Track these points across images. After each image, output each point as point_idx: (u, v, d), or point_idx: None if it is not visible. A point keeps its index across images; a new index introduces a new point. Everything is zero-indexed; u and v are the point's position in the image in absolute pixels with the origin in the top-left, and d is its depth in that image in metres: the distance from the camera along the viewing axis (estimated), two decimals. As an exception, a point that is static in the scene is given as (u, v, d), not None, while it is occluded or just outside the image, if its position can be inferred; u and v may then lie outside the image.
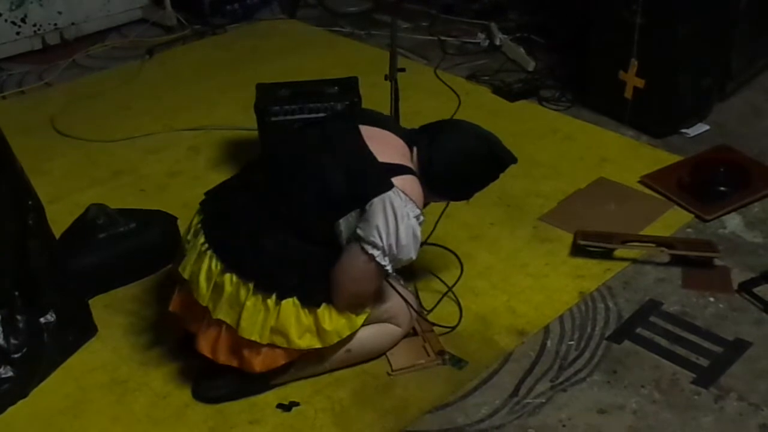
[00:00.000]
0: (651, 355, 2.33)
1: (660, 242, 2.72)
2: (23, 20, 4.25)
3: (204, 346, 2.16)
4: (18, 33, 4.26)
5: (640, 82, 3.34)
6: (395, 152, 2.16)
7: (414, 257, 2.14)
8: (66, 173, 3.28)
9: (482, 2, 4.63)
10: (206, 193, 2.31)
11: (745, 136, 3.37)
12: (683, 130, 3.41)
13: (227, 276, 2.10)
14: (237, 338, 2.11)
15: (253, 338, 2.08)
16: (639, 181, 3.08)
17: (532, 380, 2.27)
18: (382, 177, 2.08)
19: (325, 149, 2.15)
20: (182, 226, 2.74)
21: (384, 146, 2.14)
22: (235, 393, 2.22)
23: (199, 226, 2.21)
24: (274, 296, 2.08)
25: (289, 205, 2.12)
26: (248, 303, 2.08)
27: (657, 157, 3.23)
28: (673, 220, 2.88)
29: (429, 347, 2.35)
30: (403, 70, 2.95)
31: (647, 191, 3.04)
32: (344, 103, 2.97)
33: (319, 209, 2.10)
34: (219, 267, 2.12)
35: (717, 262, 2.66)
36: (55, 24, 4.35)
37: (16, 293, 2.25)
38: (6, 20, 4.19)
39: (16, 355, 2.24)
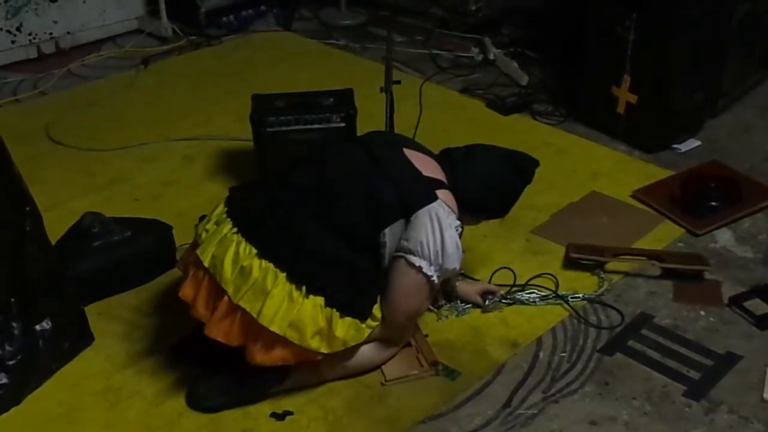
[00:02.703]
0: (642, 368, 2.35)
1: (651, 256, 2.74)
2: (18, 29, 4.24)
3: (217, 332, 2.12)
4: (13, 42, 4.25)
5: (632, 98, 3.37)
6: (435, 169, 2.28)
7: (458, 268, 2.24)
8: (61, 182, 3.27)
9: (476, 17, 4.65)
10: (230, 189, 2.34)
11: (736, 151, 3.40)
12: (675, 146, 3.44)
13: (257, 261, 2.10)
14: (247, 328, 2.10)
15: (272, 328, 2.06)
16: (631, 196, 3.10)
17: (524, 391, 2.28)
18: (427, 189, 2.20)
19: (378, 164, 2.23)
20: (177, 235, 2.76)
21: (424, 164, 2.27)
22: (230, 402, 2.21)
23: (224, 215, 2.22)
24: (303, 289, 2.09)
25: (338, 207, 2.17)
26: (275, 291, 2.07)
27: (649, 172, 3.26)
28: (664, 235, 2.90)
29: (422, 358, 2.36)
30: (398, 82, 2.98)
31: (639, 205, 3.06)
32: (340, 114, 2.98)
33: (367, 215, 2.17)
34: (250, 251, 2.11)
35: (708, 276, 2.68)
36: (51, 33, 4.35)
37: (12, 300, 2.25)
38: (1, 29, 4.19)
39: (10, 362, 2.23)
